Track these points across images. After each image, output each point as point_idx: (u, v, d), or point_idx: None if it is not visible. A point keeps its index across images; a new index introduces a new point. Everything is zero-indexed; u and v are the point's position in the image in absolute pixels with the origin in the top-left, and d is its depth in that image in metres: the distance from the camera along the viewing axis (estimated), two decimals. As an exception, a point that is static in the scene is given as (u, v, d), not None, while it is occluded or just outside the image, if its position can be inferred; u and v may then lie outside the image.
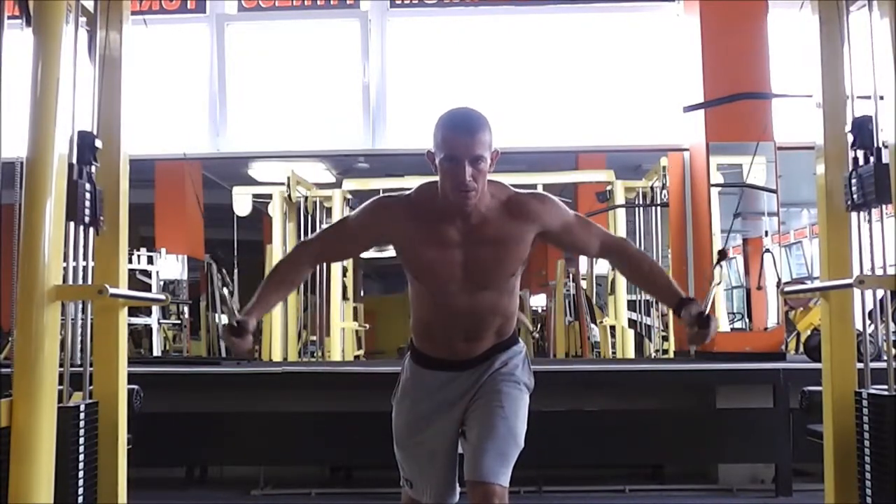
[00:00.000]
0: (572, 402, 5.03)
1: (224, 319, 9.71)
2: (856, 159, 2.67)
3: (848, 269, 2.73)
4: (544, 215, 2.36)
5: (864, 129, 2.63)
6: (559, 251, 11.02)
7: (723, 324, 5.80)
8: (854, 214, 2.69)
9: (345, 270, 7.85)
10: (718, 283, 2.50)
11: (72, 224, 2.51)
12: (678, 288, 2.40)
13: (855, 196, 2.62)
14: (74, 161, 2.52)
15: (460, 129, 2.24)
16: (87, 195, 2.55)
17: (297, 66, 6.44)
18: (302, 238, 8.00)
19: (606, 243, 2.47)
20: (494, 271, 2.35)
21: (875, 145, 2.61)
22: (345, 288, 7.82)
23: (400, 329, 11.52)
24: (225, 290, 2.37)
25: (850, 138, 2.68)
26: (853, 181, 2.63)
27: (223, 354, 9.40)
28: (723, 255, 2.59)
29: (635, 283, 2.62)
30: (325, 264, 7.16)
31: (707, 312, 2.28)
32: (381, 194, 2.45)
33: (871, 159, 2.61)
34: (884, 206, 2.63)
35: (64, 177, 2.42)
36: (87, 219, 2.54)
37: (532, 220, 2.35)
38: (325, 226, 2.60)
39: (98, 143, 2.61)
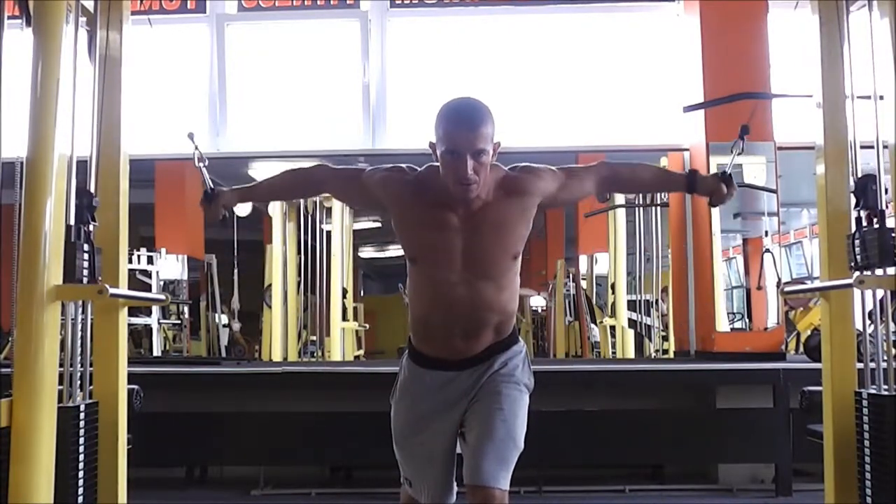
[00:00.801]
0: (572, 402, 5.03)
1: (224, 319, 9.75)
2: (859, 219, 2.67)
3: (848, 269, 2.73)
4: (541, 184, 2.41)
5: (867, 190, 2.64)
6: (559, 249, 11.05)
7: (723, 324, 5.81)
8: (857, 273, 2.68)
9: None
10: (741, 152, 2.57)
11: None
12: (676, 172, 2.47)
13: (858, 258, 2.63)
14: (72, 222, 2.49)
15: (462, 122, 2.24)
16: (86, 255, 2.52)
17: (297, 66, 6.43)
18: (302, 238, 8.04)
19: (598, 179, 2.52)
20: (495, 256, 2.34)
21: (878, 207, 2.61)
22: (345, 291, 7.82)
23: (400, 329, 11.53)
24: (200, 164, 2.42)
25: (853, 199, 2.69)
26: (856, 244, 2.64)
27: (223, 354, 9.42)
28: (745, 130, 2.59)
29: (642, 191, 2.71)
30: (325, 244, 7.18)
31: (729, 172, 2.47)
32: (402, 165, 2.45)
33: (875, 221, 2.61)
34: (885, 206, 2.63)
35: (64, 177, 2.42)
36: (85, 279, 2.51)
37: (531, 193, 2.38)
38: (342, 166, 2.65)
39: (96, 202, 2.60)
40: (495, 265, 2.35)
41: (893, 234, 2.56)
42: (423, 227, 2.35)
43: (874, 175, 2.63)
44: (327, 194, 2.82)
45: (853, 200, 2.70)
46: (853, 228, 2.68)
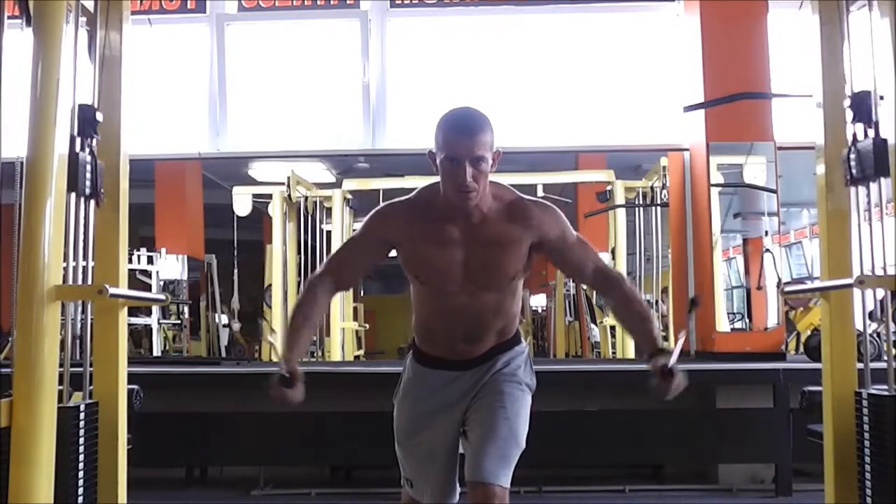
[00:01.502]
0: (572, 402, 5.03)
1: (224, 319, 9.75)
2: (854, 134, 2.66)
3: (848, 269, 2.73)
4: (543, 224, 2.35)
5: (862, 104, 2.62)
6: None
7: (723, 324, 5.81)
8: (853, 190, 2.68)
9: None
10: (687, 335, 2.44)
11: (73, 199, 2.50)
12: (658, 337, 2.38)
13: (854, 171, 2.61)
14: (76, 133, 2.51)
15: (461, 129, 2.24)
16: (88, 167, 2.54)
17: (297, 66, 6.44)
18: (302, 238, 8.04)
19: (602, 270, 2.43)
20: (494, 272, 2.34)
21: (874, 119, 2.60)
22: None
23: (400, 329, 11.56)
24: (271, 339, 2.32)
25: (850, 113, 2.66)
26: (852, 156, 2.63)
27: (223, 354, 9.43)
28: (695, 303, 2.58)
29: (620, 318, 2.56)
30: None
31: (671, 367, 2.24)
32: (380, 206, 2.42)
33: (870, 133, 2.60)
34: (884, 206, 2.63)
35: (64, 177, 2.42)
36: (87, 190, 2.53)
37: (530, 227, 2.33)
38: (331, 253, 2.51)
39: (99, 117, 2.61)
40: (496, 278, 2.35)
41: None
42: (425, 244, 2.33)
43: (869, 91, 2.62)
44: (354, 284, 2.66)
45: (849, 115, 2.67)
46: (849, 143, 2.66)
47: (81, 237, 2.59)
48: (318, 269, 2.50)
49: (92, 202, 2.61)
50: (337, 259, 2.52)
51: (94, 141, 2.60)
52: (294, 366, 2.22)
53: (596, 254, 2.45)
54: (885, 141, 2.54)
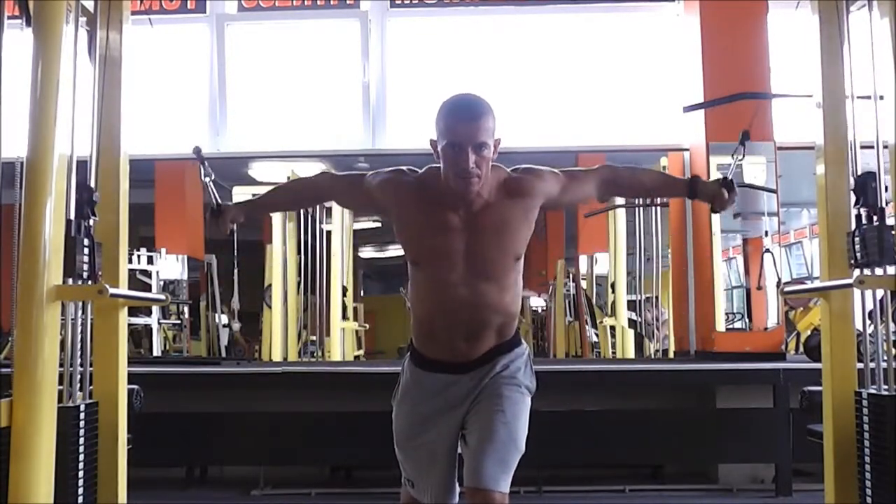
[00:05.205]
0: (572, 402, 5.03)
1: (224, 319, 9.75)
2: (858, 216, 2.67)
3: (848, 269, 2.73)
4: (543, 185, 2.40)
5: (867, 188, 2.64)
6: (560, 249, 11.05)
7: (723, 324, 5.81)
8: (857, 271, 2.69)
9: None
10: (742, 158, 2.56)
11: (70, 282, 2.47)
12: (677, 178, 2.46)
13: (858, 256, 2.64)
14: (72, 217, 2.49)
15: (463, 115, 2.24)
16: (86, 250, 2.51)
17: (297, 66, 6.44)
18: (302, 238, 8.03)
19: (599, 182, 2.50)
20: (497, 257, 2.33)
21: (878, 205, 2.61)
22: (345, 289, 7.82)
23: (400, 329, 11.56)
24: (207, 179, 2.42)
25: (853, 197, 2.69)
26: (856, 241, 2.64)
27: (223, 354, 9.42)
28: (746, 135, 2.57)
29: (643, 195, 2.69)
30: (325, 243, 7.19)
31: (730, 178, 2.45)
32: (402, 167, 2.45)
33: (875, 219, 2.61)
34: (885, 206, 2.64)
35: (64, 177, 2.42)
36: (85, 274, 2.51)
37: (534, 195, 2.37)
38: (344, 172, 2.63)
39: (96, 197, 2.59)
40: (497, 266, 2.34)
41: (893, 233, 2.56)
42: (424, 229, 2.33)
43: (874, 173, 2.63)
44: (331, 202, 2.83)
45: (853, 198, 2.70)
46: (853, 227, 2.69)
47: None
48: (330, 174, 2.62)
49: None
50: (344, 180, 2.57)
51: (92, 221, 2.58)
52: (230, 207, 2.54)
53: (583, 173, 2.52)
54: (889, 229, 2.56)
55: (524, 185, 2.37)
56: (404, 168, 2.43)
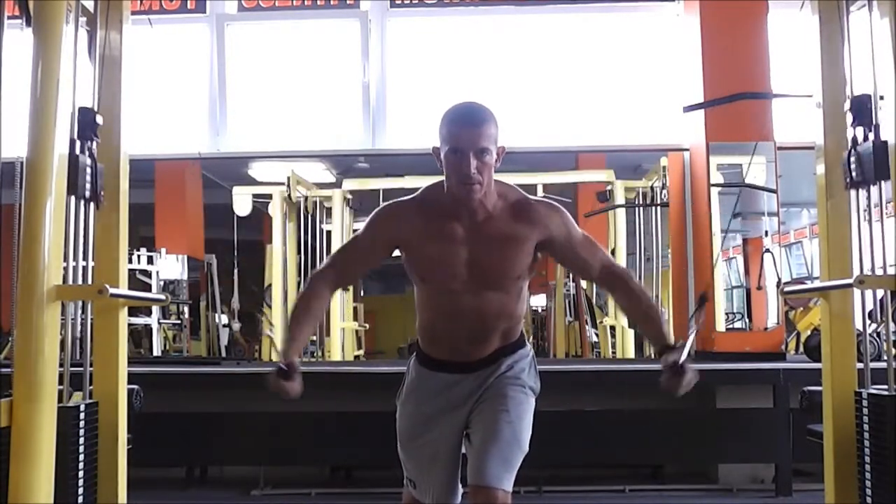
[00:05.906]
0: (572, 402, 5.03)
1: (224, 319, 9.75)
2: (854, 137, 2.66)
3: (848, 269, 2.73)
4: (549, 223, 2.34)
5: (862, 107, 2.63)
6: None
7: (723, 324, 5.81)
8: (853, 192, 2.68)
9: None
10: (698, 330, 2.45)
11: (72, 201, 2.50)
12: (668, 333, 2.36)
13: (854, 174, 2.62)
14: (76, 136, 2.52)
15: (465, 121, 2.24)
16: (88, 170, 2.54)
17: (297, 66, 6.44)
18: (302, 238, 8.04)
19: (609, 268, 2.42)
20: (499, 271, 2.33)
21: (874, 122, 2.60)
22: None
23: (400, 329, 11.57)
24: (269, 332, 2.29)
25: (850, 117, 2.67)
26: (852, 159, 2.63)
27: (223, 354, 9.42)
28: (704, 299, 2.56)
29: (629, 315, 2.56)
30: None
31: (682, 363, 2.20)
32: (384, 202, 2.43)
33: (870, 136, 2.60)
34: (884, 206, 2.64)
35: (64, 178, 2.42)
36: (87, 193, 2.53)
37: (536, 225, 2.33)
38: (334, 250, 2.52)
39: (99, 119, 2.61)
40: (501, 277, 2.34)
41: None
42: (430, 241, 2.32)
43: (869, 95, 2.62)
44: (355, 280, 2.70)
45: (849, 118, 2.67)
46: (849, 146, 2.66)
47: (81, 237, 2.59)
48: (322, 263, 2.51)
49: (92, 204, 2.61)
50: (342, 255, 2.53)
51: (94, 143, 2.60)
52: (293, 358, 2.21)
53: (602, 251, 2.44)
54: (885, 144, 2.54)
55: (530, 212, 2.33)
56: (386, 204, 2.42)
